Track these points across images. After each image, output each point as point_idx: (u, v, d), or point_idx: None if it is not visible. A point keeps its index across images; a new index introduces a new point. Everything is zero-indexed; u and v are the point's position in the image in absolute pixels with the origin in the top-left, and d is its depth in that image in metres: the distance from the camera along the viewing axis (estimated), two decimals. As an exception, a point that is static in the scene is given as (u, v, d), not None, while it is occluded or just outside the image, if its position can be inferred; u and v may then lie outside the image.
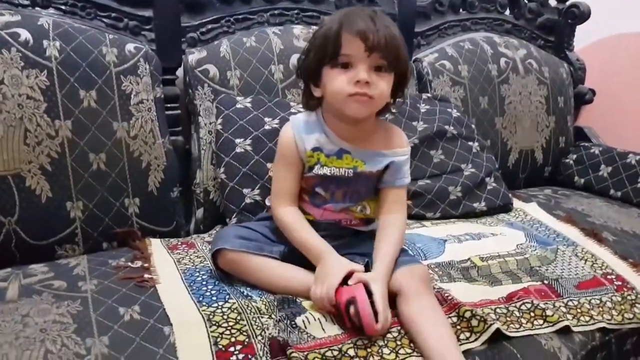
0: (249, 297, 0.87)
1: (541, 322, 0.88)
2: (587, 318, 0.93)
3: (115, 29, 1.23)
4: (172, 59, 1.27)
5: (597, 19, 1.85)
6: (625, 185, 1.59)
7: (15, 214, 1.02)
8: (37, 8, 1.14)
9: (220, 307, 0.84)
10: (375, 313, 0.78)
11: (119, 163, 1.12)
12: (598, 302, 0.97)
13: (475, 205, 1.32)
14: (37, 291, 0.87)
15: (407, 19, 1.56)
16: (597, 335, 0.93)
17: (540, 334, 0.87)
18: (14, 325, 0.77)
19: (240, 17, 1.37)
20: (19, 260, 1.03)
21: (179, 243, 1.11)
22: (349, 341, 0.78)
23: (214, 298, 0.87)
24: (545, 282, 1.00)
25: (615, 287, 1.02)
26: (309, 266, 0.90)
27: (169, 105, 1.26)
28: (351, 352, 0.76)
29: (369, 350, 0.77)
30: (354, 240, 0.98)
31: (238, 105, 1.22)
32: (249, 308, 0.84)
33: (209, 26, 1.33)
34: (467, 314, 0.84)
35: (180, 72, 1.30)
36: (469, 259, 1.06)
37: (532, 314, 0.89)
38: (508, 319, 0.88)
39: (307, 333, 0.79)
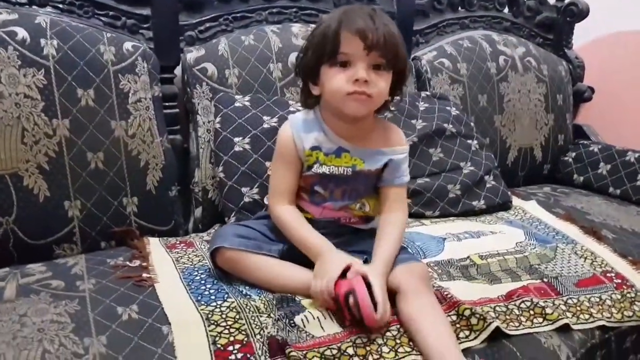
0: (248, 296, 0.87)
1: (541, 320, 0.88)
2: (587, 316, 0.93)
3: (113, 28, 1.22)
4: (170, 57, 1.27)
5: (595, 16, 1.85)
6: (625, 183, 1.59)
7: (12, 213, 1.02)
8: (34, 6, 1.14)
9: (218, 306, 0.83)
10: (375, 305, 0.78)
11: (117, 162, 1.12)
12: (597, 300, 0.97)
13: (475, 203, 1.32)
14: (35, 291, 0.86)
15: (405, 17, 1.56)
16: (597, 333, 0.93)
17: (539, 332, 0.87)
18: (11, 324, 0.76)
19: (238, 15, 1.36)
20: (16, 259, 1.03)
21: (178, 242, 1.11)
22: (348, 340, 0.78)
23: (213, 297, 0.86)
24: (545, 280, 1.00)
25: (614, 285, 1.02)
26: (308, 265, 0.90)
27: (167, 104, 1.25)
28: (350, 350, 0.76)
29: (367, 348, 0.76)
30: (354, 239, 0.98)
31: (236, 104, 1.21)
32: (248, 307, 0.83)
33: (207, 24, 1.33)
34: (467, 312, 0.83)
35: (178, 70, 1.30)
36: (468, 257, 1.06)
37: (531, 312, 0.89)
38: (507, 317, 0.87)
39: (306, 332, 0.79)
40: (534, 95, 1.70)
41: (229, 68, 1.27)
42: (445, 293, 0.88)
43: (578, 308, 0.94)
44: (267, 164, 1.15)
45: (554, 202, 1.46)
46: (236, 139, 1.17)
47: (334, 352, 0.75)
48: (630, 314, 0.97)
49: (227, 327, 0.79)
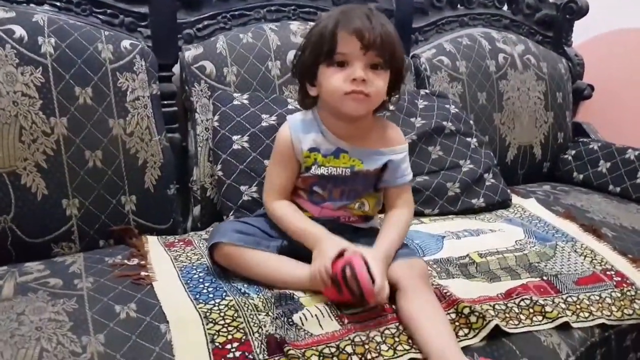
0: (246, 295, 0.86)
1: (540, 318, 0.88)
2: (587, 314, 0.93)
3: (111, 26, 1.22)
4: (168, 55, 1.27)
5: (595, 14, 1.85)
6: (624, 180, 1.59)
7: (11, 211, 1.02)
8: (32, 5, 1.14)
9: (217, 304, 0.83)
10: (373, 280, 0.78)
11: (115, 160, 1.11)
12: (597, 298, 0.97)
13: (474, 201, 1.32)
14: (33, 289, 0.86)
15: (404, 15, 1.55)
16: (597, 331, 0.92)
17: (539, 330, 0.87)
18: (9, 323, 0.76)
19: (236, 13, 1.36)
20: (15, 258, 1.02)
21: (176, 240, 1.11)
22: (347, 338, 0.77)
23: (211, 295, 0.86)
24: (545, 278, 1.00)
25: (614, 283, 1.02)
26: (307, 260, 0.90)
27: (165, 102, 1.25)
28: (349, 349, 0.75)
29: (366, 346, 0.76)
30: (353, 237, 0.97)
31: (235, 102, 1.21)
32: (246, 305, 0.83)
33: (206, 22, 1.33)
34: (466, 311, 0.83)
35: (176, 68, 1.29)
36: (467, 255, 1.05)
37: (531, 310, 0.89)
38: (507, 315, 0.87)
39: (304, 330, 0.79)
40: (533, 93, 1.70)
41: (228, 66, 1.27)
42: (445, 291, 0.88)
43: (578, 306, 0.94)
44: (266, 162, 1.15)
45: (554, 200, 1.46)
46: (235, 137, 1.17)
47: (333, 350, 0.75)
48: (630, 312, 0.96)
49: (226, 325, 0.78)
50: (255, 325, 0.79)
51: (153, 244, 1.08)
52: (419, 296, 0.82)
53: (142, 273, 0.93)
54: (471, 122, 1.47)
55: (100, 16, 1.21)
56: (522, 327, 0.86)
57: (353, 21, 0.87)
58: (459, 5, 1.73)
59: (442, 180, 1.30)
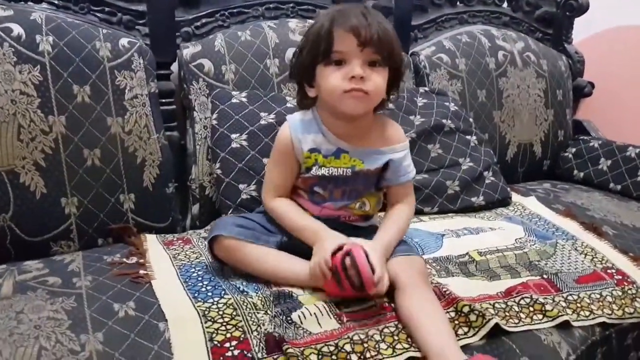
0: (245, 293, 0.86)
1: (540, 316, 0.88)
2: (587, 313, 0.92)
3: (109, 24, 1.22)
4: (166, 53, 1.26)
5: (595, 11, 1.84)
6: (625, 178, 1.58)
7: (9, 210, 1.01)
8: (29, 3, 1.13)
9: (215, 302, 0.83)
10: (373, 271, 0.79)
11: (113, 159, 1.11)
12: (598, 296, 0.97)
13: (474, 199, 1.32)
14: (32, 287, 0.86)
15: (404, 13, 1.55)
16: (597, 330, 0.92)
17: (539, 328, 0.86)
18: (8, 321, 0.76)
19: (235, 11, 1.36)
20: (14, 256, 1.02)
21: (175, 239, 1.11)
22: (345, 336, 0.77)
23: (210, 294, 0.86)
24: (545, 276, 1.00)
25: (615, 282, 1.01)
26: (307, 257, 0.90)
27: (163, 100, 1.25)
28: (347, 347, 0.75)
29: (365, 345, 0.76)
30: (353, 235, 0.97)
31: (233, 100, 1.21)
32: (245, 304, 0.83)
33: (204, 20, 1.33)
34: (465, 309, 0.83)
35: (175, 66, 1.29)
36: (467, 253, 1.05)
37: (531, 309, 0.89)
38: (507, 313, 0.87)
39: (303, 328, 0.78)
40: (533, 91, 1.69)
41: (226, 64, 1.26)
42: (444, 289, 0.88)
43: (578, 305, 0.93)
44: (265, 160, 1.15)
45: (554, 198, 1.46)
46: (233, 136, 1.17)
47: (331, 348, 0.75)
48: (631, 310, 0.96)
49: (224, 323, 0.78)
50: (254, 323, 0.79)
51: (152, 243, 1.08)
52: (418, 294, 0.82)
53: (141, 271, 0.93)
54: (471, 119, 1.47)
55: (98, 14, 1.21)
56: (522, 325, 0.85)
57: (349, 19, 0.87)
58: (458, 3, 1.73)
59: (441, 178, 1.30)
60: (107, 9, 1.22)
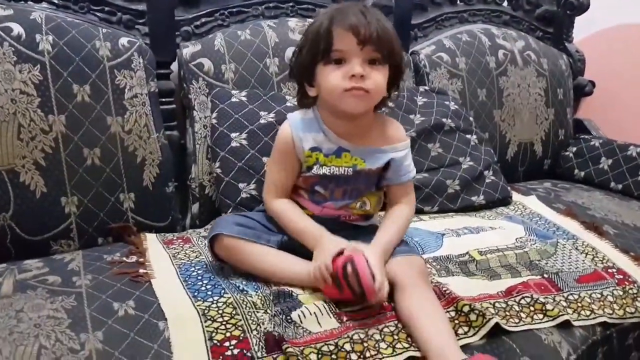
0: (245, 292, 0.86)
1: (541, 316, 0.88)
2: (588, 312, 0.92)
3: (109, 23, 1.22)
4: (166, 52, 1.26)
5: (596, 10, 1.84)
6: (626, 177, 1.58)
7: (9, 209, 1.02)
8: (29, 2, 1.13)
9: (215, 301, 0.83)
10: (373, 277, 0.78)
11: (113, 158, 1.11)
12: (599, 296, 0.96)
13: (474, 198, 1.31)
14: (32, 286, 0.86)
15: (403, 11, 1.55)
16: (598, 329, 0.92)
17: (540, 328, 0.86)
18: (8, 320, 0.76)
19: (234, 10, 1.36)
20: (14, 255, 1.03)
21: (175, 238, 1.11)
22: (345, 335, 0.77)
23: (209, 293, 0.86)
24: (545, 276, 0.99)
25: (616, 281, 1.01)
26: (307, 256, 0.90)
27: (163, 99, 1.25)
28: (347, 346, 0.75)
29: (365, 344, 0.76)
30: (353, 234, 0.97)
31: (233, 99, 1.21)
32: (245, 303, 0.83)
33: (203, 19, 1.33)
34: (466, 309, 0.83)
35: (174, 66, 1.29)
36: (467, 253, 1.05)
37: (531, 308, 0.88)
38: (507, 313, 0.87)
39: (302, 328, 0.78)
40: (533, 90, 1.69)
41: (225, 63, 1.26)
42: (444, 289, 0.88)
43: (579, 304, 0.93)
44: (264, 159, 1.15)
45: (555, 197, 1.46)
46: (233, 135, 1.17)
47: (331, 348, 0.75)
48: (633, 310, 0.96)
49: (224, 322, 0.78)
50: (254, 322, 0.79)
51: (152, 242, 1.08)
52: (418, 294, 0.82)
53: (141, 270, 0.93)
54: (471, 118, 1.47)
55: (98, 13, 1.21)
56: (523, 325, 0.85)
57: (348, 17, 0.87)
58: (458, 1, 1.72)
59: (441, 177, 1.30)
60: (106, 8, 1.22)
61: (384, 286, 0.81)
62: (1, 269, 0.93)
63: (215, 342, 0.74)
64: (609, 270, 1.04)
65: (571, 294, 0.95)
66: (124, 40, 1.16)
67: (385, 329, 0.79)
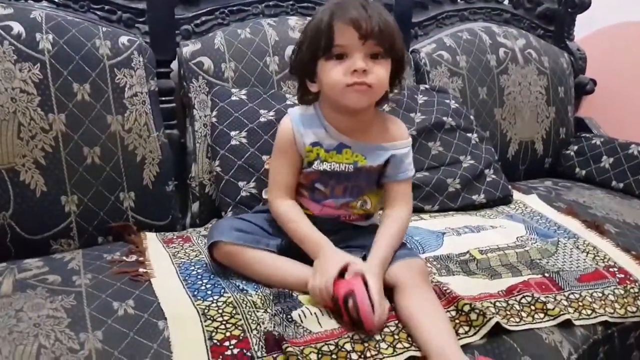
0: (245, 291, 0.86)
1: (542, 315, 0.87)
2: (589, 311, 0.92)
3: (109, 22, 1.22)
4: (166, 51, 1.26)
5: (597, 8, 1.83)
6: (628, 176, 1.58)
7: (9, 208, 1.02)
8: (29, 1, 1.13)
9: (215, 301, 0.83)
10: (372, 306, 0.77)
11: (113, 157, 1.11)
12: (600, 295, 0.96)
13: (475, 197, 1.31)
14: (32, 286, 0.86)
15: (404, 10, 1.54)
16: (600, 329, 0.91)
17: (541, 327, 0.86)
18: (7, 319, 0.76)
19: (234, 8, 1.35)
20: (14, 254, 1.03)
21: (175, 237, 1.11)
22: (346, 335, 0.77)
23: (209, 292, 0.86)
24: (546, 275, 0.99)
25: (617, 280, 1.01)
26: (306, 260, 0.89)
27: (163, 98, 1.24)
28: (348, 346, 0.75)
29: (365, 344, 0.76)
30: (352, 234, 0.97)
31: (233, 98, 1.21)
32: (245, 302, 0.83)
33: (203, 18, 1.32)
34: (466, 308, 0.82)
35: (174, 65, 1.29)
36: (468, 252, 1.05)
37: (532, 308, 0.88)
38: (508, 312, 0.86)
39: (303, 327, 0.78)
40: (534, 88, 1.69)
41: (225, 62, 1.26)
42: (445, 288, 0.87)
43: (580, 303, 0.93)
44: (264, 157, 1.15)
45: (556, 196, 1.45)
46: (233, 133, 1.17)
47: (332, 347, 0.75)
48: (634, 309, 0.96)
49: (224, 322, 0.78)
50: (254, 322, 0.78)
51: (151, 241, 1.07)
52: (418, 294, 0.82)
53: (141, 270, 0.93)
54: (472, 117, 1.46)
55: (98, 12, 1.21)
56: (524, 324, 0.85)
57: (348, 11, 0.85)
58: (459, 0, 1.72)
59: (442, 176, 1.30)
60: (106, 7, 1.22)
61: (383, 316, 0.79)
62: (1, 268, 0.93)
63: (215, 341, 0.74)
64: (610, 269, 1.04)
65: (572, 293, 0.95)
66: (124, 39, 1.16)
67: (386, 329, 0.79)
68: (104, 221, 1.11)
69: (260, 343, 0.74)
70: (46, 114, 1.04)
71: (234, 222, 0.96)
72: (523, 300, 0.89)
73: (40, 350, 0.71)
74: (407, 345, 0.77)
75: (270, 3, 1.39)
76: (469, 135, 1.39)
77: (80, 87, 1.08)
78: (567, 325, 0.88)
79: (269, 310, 0.81)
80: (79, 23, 1.12)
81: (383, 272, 0.85)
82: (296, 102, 1.07)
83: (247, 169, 1.15)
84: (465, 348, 0.78)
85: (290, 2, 1.42)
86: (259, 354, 0.73)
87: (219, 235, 0.91)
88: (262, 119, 1.18)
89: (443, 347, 0.74)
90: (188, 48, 1.25)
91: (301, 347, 0.74)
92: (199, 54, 1.25)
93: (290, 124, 0.95)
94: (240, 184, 1.14)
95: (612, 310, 0.94)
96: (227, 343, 0.74)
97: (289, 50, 1.29)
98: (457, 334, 0.80)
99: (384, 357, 0.75)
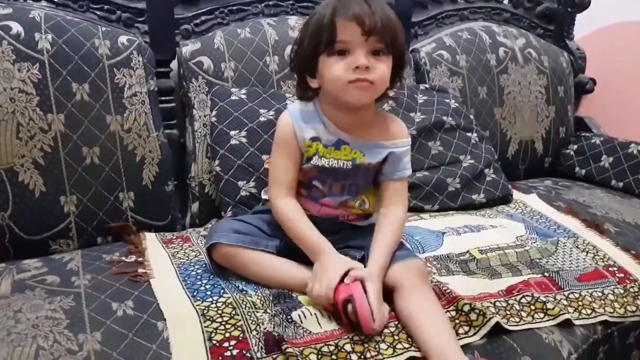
0: (244, 292, 0.86)
1: (542, 315, 0.87)
2: (589, 311, 0.92)
3: (108, 21, 1.22)
4: (165, 51, 1.26)
5: (597, 7, 1.83)
6: (627, 175, 1.58)
7: (8, 208, 1.01)
8: (28, 0, 1.13)
9: (214, 301, 0.83)
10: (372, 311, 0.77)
11: (112, 157, 1.11)
12: (600, 294, 0.96)
13: (474, 197, 1.31)
14: (30, 286, 0.86)
15: (404, 9, 1.54)
16: (599, 328, 0.91)
17: (540, 327, 0.86)
18: (5, 321, 0.76)
19: (234, 8, 1.35)
20: (12, 255, 1.02)
21: (174, 237, 1.11)
22: (346, 336, 0.77)
23: (209, 293, 0.85)
24: (546, 274, 0.99)
25: (617, 280, 1.01)
26: (305, 261, 0.89)
27: (163, 98, 1.24)
28: (347, 347, 0.75)
29: (365, 345, 0.75)
30: (351, 234, 0.97)
31: (233, 97, 1.20)
32: (244, 303, 0.82)
33: (203, 18, 1.32)
34: (466, 308, 0.82)
35: (174, 64, 1.28)
36: (467, 251, 1.04)
37: (532, 307, 0.88)
38: (508, 312, 0.86)
39: (303, 328, 0.78)
40: (534, 87, 1.69)
41: (225, 61, 1.26)
42: (444, 288, 0.87)
43: (580, 303, 0.93)
44: (264, 157, 1.14)
45: (555, 195, 1.45)
46: (232, 133, 1.17)
47: (331, 348, 0.74)
48: (634, 308, 0.96)
49: (223, 323, 0.78)
50: (253, 322, 0.78)
51: (151, 241, 1.07)
52: (417, 294, 0.82)
53: (140, 270, 0.92)
54: (471, 116, 1.46)
55: (98, 12, 1.21)
56: (523, 324, 0.85)
57: (351, 7, 0.85)
58: (459, -1, 1.72)
59: (442, 175, 1.29)
60: (106, 6, 1.22)
61: (382, 321, 0.79)
62: (0, 268, 0.92)
63: (214, 342, 0.74)
64: (610, 269, 1.04)
65: (572, 293, 0.95)
66: (123, 39, 1.15)
67: (386, 330, 0.79)
68: (103, 221, 1.11)
69: (260, 344, 0.74)
70: (45, 114, 1.03)
71: (232, 224, 0.96)
72: (523, 300, 0.89)
73: (39, 351, 0.71)
74: (407, 345, 0.77)
75: (270, 3, 1.39)
76: (469, 134, 1.38)
77: (80, 87, 1.07)
78: (567, 324, 0.88)
79: (268, 310, 0.81)
80: (78, 23, 1.12)
81: (383, 274, 0.85)
82: (296, 98, 1.06)
83: (247, 169, 1.15)
84: (465, 348, 0.78)
85: (290, 2, 1.41)
86: (258, 354, 0.73)
87: (218, 237, 0.91)
88: (261, 119, 1.18)
89: (443, 348, 0.74)
90: (188, 48, 1.25)
91: (301, 348, 0.74)
92: (198, 53, 1.25)
93: (290, 119, 0.94)
94: (240, 183, 1.14)
95: (611, 310, 0.94)
96: (226, 344, 0.74)
97: (288, 49, 1.28)
98: (457, 334, 0.80)
99: (384, 358, 0.75)
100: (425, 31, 1.66)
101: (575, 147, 1.75)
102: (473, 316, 0.81)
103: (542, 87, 1.71)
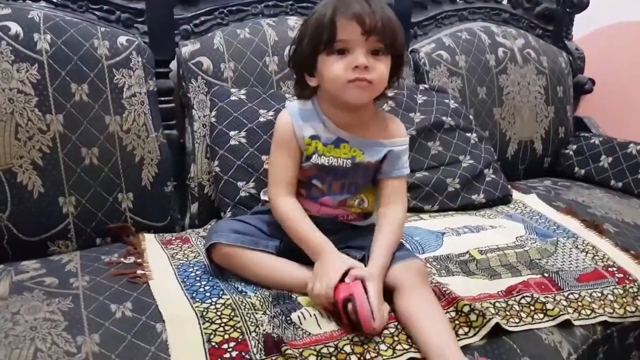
0: (244, 293, 0.86)
1: (541, 316, 0.87)
2: (589, 311, 0.92)
3: (107, 22, 1.21)
4: (165, 51, 1.26)
5: (596, 7, 1.83)
6: (626, 175, 1.58)
7: (6, 209, 1.01)
8: (27, 1, 1.13)
9: (213, 303, 0.83)
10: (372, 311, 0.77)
11: (111, 157, 1.10)
12: (599, 295, 0.96)
13: (474, 197, 1.31)
14: (28, 288, 0.86)
15: (403, 9, 1.54)
16: (599, 329, 0.91)
17: (540, 328, 0.86)
18: (3, 323, 0.76)
19: (234, 8, 1.35)
20: (11, 256, 1.02)
21: (173, 238, 1.10)
22: (345, 337, 0.76)
23: (208, 294, 0.85)
24: (546, 275, 0.99)
25: (616, 280, 1.01)
26: (305, 261, 0.89)
27: (162, 98, 1.24)
28: (347, 348, 0.74)
29: (365, 346, 0.75)
30: (351, 234, 0.97)
31: (232, 98, 1.20)
32: (244, 304, 0.82)
33: (202, 18, 1.32)
34: (466, 309, 0.82)
35: (173, 65, 1.28)
36: (467, 252, 1.04)
37: (532, 308, 0.88)
38: (507, 313, 0.86)
39: (302, 329, 0.78)
40: (533, 88, 1.69)
41: (225, 62, 1.26)
42: (444, 289, 0.87)
43: (579, 303, 0.93)
44: (264, 157, 1.14)
45: (555, 195, 1.45)
46: (232, 133, 1.16)
47: (331, 349, 0.74)
48: (633, 309, 0.96)
49: (222, 324, 0.78)
50: (253, 324, 0.78)
51: (150, 242, 1.07)
52: (417, 295, 0.82)
53: (139, 271, 0.92)
54: (471, 117, 1.46)
55: (97, 12, 1.21)
56: (523, 325, 0.85)
57: (352, 6, 0.85)
58: (458, 0, 1.71)
59: (441, 176, 1.29)
60: (105, 7, 1.21)
61: (382, 321, 0.79)
62: (-2, 270, 0.92)
63: (213, 344, 0.74)
64: (610, 269, 1.04)
65: (571, 293, 0.95)
66: (122, 39, 1.15)
67: (385, 331, 0.79)
68: (102, 222, 1.10)
69: (259, 345, 0.74)
70: (44, 115, 1.03)
71: (232, 224, 0.95)
72: (522, 301, 0.89)
73: (37, 354, 0.70)
74: (406, 346, 0.77)
75: (270, 3, 1.39)
76: (469, 135, 1.38)
77: (79, 87, 1.07)
78: (566, 325, 0.88)
79: (268, 312, 0.81)
80: (77, 23, 1.11)
81: (383, 274, 0.85)
82: (295, 96, 1.06)
83: (247, 169, 1.14)
84: (465, 349, 0.77)
85: (290, 2, 1.41)
86: (257, 356, 0.73)
87: (218, 237, 0.90)
88: (261, 119, 1.18)
89: (443, 348, 0.74)
90: (187, 48, 1.25)
91: (300, 350, 0.73)
92: (198, 54, 1.24)
93: (289, 117, 0.94)
94: (240, 184, 1.14)
95: (611, 310, 0.94)
96: (225, 345, 0.74)
97: (288, 50, 1.29)
98: (457, 334, 0.79)
99: (383, 359, 0.74)
100: (425, 31, 1.66)
101: (574, 147, 1.75)
102: (473, 317, 0.81)
103: (541, 88, 1.71)
